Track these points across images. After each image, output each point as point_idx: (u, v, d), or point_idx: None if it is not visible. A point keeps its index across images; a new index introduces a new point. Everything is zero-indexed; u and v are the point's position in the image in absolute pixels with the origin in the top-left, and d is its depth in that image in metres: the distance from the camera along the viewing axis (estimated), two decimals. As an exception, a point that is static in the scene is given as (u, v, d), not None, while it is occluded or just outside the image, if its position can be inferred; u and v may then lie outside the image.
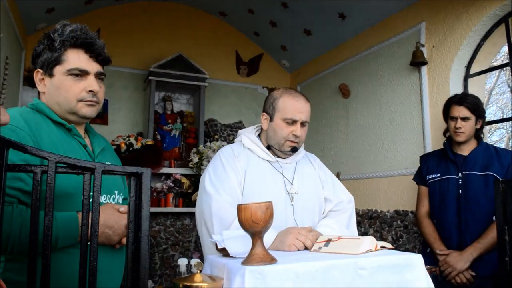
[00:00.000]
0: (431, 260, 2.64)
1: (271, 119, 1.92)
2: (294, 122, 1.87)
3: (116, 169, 1.11)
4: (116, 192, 1.63)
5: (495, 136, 11.26)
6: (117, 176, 1.69)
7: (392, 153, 3.85)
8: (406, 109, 3.74)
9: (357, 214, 4.14)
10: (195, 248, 4.48)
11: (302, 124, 1.89)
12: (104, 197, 1.58)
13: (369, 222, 4.00)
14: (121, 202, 1.63)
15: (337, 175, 4.44)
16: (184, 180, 4.37)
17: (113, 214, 1.47)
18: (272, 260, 1.29)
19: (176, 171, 4.53)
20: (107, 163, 1.59)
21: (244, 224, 1.31)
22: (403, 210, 3.65)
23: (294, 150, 1.90)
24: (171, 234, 4.40)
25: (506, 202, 1.84)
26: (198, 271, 1.38)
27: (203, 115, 4.93)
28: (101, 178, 1.11)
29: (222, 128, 5.29)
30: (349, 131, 4.45)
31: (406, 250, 3.49)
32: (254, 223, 1.29)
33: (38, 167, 1.04)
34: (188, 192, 4.41)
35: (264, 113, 1.96)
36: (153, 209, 4.27)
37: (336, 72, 4.73)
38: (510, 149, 2.74)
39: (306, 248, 1.60)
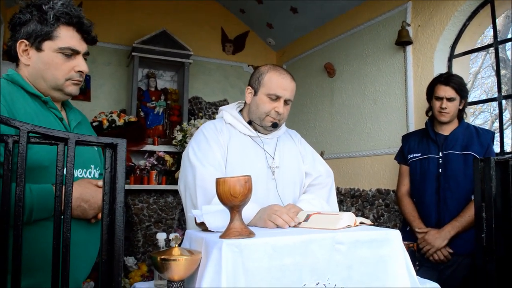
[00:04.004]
0: (410, 238, 2.67)
1: (255, 93, 1.93)
2: (277, 98, 1.87)
3: (91, 140, 1.08)
4: (92, 166, 1.61)
5: (479, 119, 11.36)
6: (94, 150, 1.67)
7: (376, 132, 3.86)
8: (391, 88, 3.74)
9: (340, 193, 4.17)
10: (178, 226, 4.48)
11: (286, 102, 1.90)
12: (80, 171, 1.56)
13: (352, 201, 4.03)
14: (97, 176, 1.62)
15: (321, 154, 4.45)
16: (167, 157, 4.34)
17: (89, 188, 1.45)
18: (250, 234, 1.29)
19: (160, 148, 4.50)
20: (83, 135, 1.57)
21: (222, 198, 1.30)
22: (384, 189, 3.68)
23: (274, 125, 1.90)
24: (154, 212, 4.38)
25: (484, 180, 1.86)
26: (176, 245, 1.38)
27: (187, 93, 4.87)
28: (75, 149, 1.09)
29: (206, 106, 5.25)
30: (333, 110, 4.45)
31: (387, 228, 3.52)
32: (232, 197, 1.28)
33: (10, 137, 1.01)
34: (171, 170, 4.38)
35: (249, 87, 1.96)
36: (136, 187, 4.24)
37: (322, 51, 4.70)
38: (492, 130, 2.76)
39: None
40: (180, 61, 4.84)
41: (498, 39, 3.15)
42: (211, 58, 5.43)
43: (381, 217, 3.69)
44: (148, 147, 4.49)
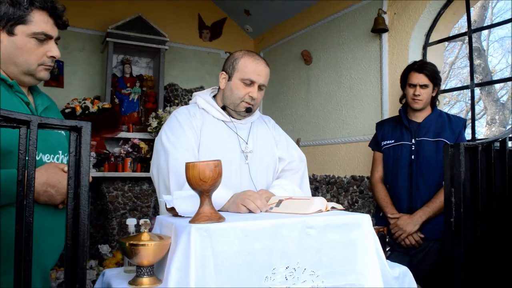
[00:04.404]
0: (383, 223, 2.71)
1: (229, 79, 1.92)
2: (252, 83, 1.87)
3: (54, 123, 1.05)
4: (60, 152, 1.58)
5: (455, 109, 11.53)
6: (62, 135, 1.63)
7: (351, 119, 3.89)
8: (366, 76, 3.76)
9: (316, 179, 4.20)
10: (154, 213, 4.45)
11: (260, 87, 1.90)
12: (48, 156, 1.53)
13: (327, 188, 4.06)
14: (65, 162, 1.58)
15: (297, 141, 4.46)
16: (142, 145, 4.29)
17: (56, 173, 1.42)
18: (219, 219, 1.28)
19: (135, 135, 4.44)
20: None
21: (191, 183, 1.29)
22: (359, 176, 3.72)
23: (248, 110, 1.90)
24: (129, 200, 4.34)
25: (453, 165, 1.89)
26: (146, 230, 1.36)
27: (163, 79, 4.81)
28: (41, 133, 1.06)
29: (183, 93, 5.20)
30: (310, 97, 4.46)
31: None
32: (202, 182, 1.27)
33: (-32, 120, 0.98)
34: (146, 157, 4.34)
35: (223, 72, 1.95)
36: (111, 174, 4.19)
37: (299, 38, 4.69)
38: (464, 118, 2.81)
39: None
40: (156, 47, 4.77)
41: (473, 28, 3.19)
42: (187, 44, 5.37)
43: (356, 204, 3.73)
44: (123, 134, 4.44)
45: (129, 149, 4.26)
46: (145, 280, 1.35)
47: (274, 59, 5.10)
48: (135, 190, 4.39)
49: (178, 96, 5.15)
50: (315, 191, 4.14)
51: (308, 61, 4.45)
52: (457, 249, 1.90)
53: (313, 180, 4.23)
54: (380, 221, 2.77)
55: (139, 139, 4.36)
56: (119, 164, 4.25)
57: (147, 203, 4.42)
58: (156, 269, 1.41)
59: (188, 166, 1.28)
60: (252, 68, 1.87)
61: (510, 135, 2.25)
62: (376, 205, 2.92)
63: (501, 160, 2.16)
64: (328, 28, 4.25)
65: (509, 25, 2.86)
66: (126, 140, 4.38)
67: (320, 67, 4.34)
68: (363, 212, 3.58)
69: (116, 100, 4.66)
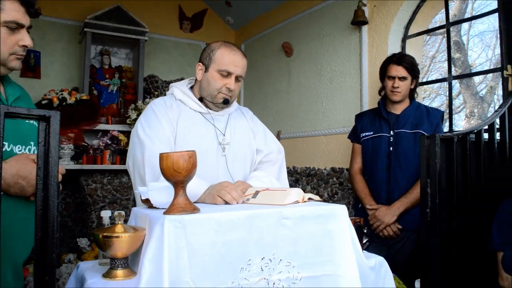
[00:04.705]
0: (362, 215, 2.72)
1: (206, 70, 1.89)
2: (229, 74, 1.85)
3: (21, 112, 1.03)
4: (32, 143, 1.55)
5: (435, 102, 11.65)
6: (35, 126, 1.60)
7: (331, 111, 3.90)
8: (346, 68, 3.77)
9: (296, 172, 4.21)
10: (133, 206, 4.40)
11: (237, 78, 1.88)
12: (19, 147, 1.50)
13: (307, 180, 4.07)
14: (37, 153, 1.55)
15: (278, 134, 4.46)
16: (121, 137, 4.23)
17: (27, 164, 1.39)
18: (194, 210, 1.27)
19: (114, 127, 4.38)
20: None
21: (165, 174, 1.27)
22: (339, 168, 3.74)
23: (226, 102, 1.88)
24: (108, 192, 4.29)
25: (429, 156, 1.91)
26: (120, 222, 1.34)
27: (143, 71, 4.75)
28: (12, 123, 1.03)
29: (163, 84, 5.14)
30: (290, 90, 4.46)
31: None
32: (176, 172, 1.25)
33: None
34: (125, 149, 4.28)
35: (200, 63, 1.93)
36: (89, 167, 4.13)
37: (280, 30, 4.67)
38: (442, 110, 2.84)
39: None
40: (135, 38, 4.70)
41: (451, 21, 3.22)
42: (168, 35, 5.32)
43: (335, 195, 3.75)
44: (102, 126, 4.37)
45: (108, 141, 4.21)
46: (119, 272, 1.34)
47: (255, 51, 5.08)
48: (115, 182, 4.34)
49: (158, 88, 5.09)
50: (295, 183, 4.15)
51: (289, 53, 4.45)
52: (432, 239, 1.92)
53: (293, 172, 4.24)
54: (359, 212, 2.79)
55: (118, 131, 4.30)
56: (98, 156, 4.20)
57: (126, 196, 4.38)
58: (131, 261, 1.39)
59: (162, 156, 1.27)
60: (229, 59, 1.85)
61: (485, 127, 2.28)
62: (355, 197, 2.94)
63: (476, 151, 2.19)
64: (309, 20, 4.25)
65: (489, 19, 2.88)
66: (105, 132, 4.32)
67: (301, 59, 4.33)
68: (342, 204, 3.62)
69: (95, 92, 4.59)
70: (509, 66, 2.46)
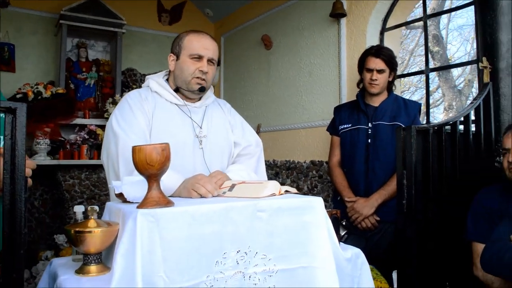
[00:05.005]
0: (341, 207, 2.73)
1: (178, 58, 1.89)
2: (200, 58, 1.84)
3: (-16, 104, 0.99)
4: (1, 137, 1.50)
5: (415, 96, 11.76)
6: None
7: (311, 104, 3.90)
8: (325, 61, 3.77)
9: (276, 165, 4.21)
10: (112, 201, 4.35)
11: (209, 62, 1.86)
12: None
13: (287, 173, 4.08)
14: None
15: (258, 127, 4.45)
16: (99, 131, 4.17)
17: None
18: (168, 203, 1.25)
19: (91, 122, 4.31)
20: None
21: (138, 167, 1.25)
22: (318, 161, 3.75)
23: (202, 89, 1.86)
24: (86, 188, 4.23)
25: (405, 148, 1.92)
26: (92, 217, 1.32)
27: (120, 64, 4.68)
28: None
29: (141, 78, 5.07)
30: (270, 83, 4.44)
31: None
32: (148, 166, 1.23)
33: None
34: (103, 144, 4.23)
35: (171, 54, 1.92)
36: (66, 162, 4.06)
37: (260, 23, 4.64)
38: (419, 102, 2.86)
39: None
40: (113, 31, 4.63)
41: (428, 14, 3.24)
42: (146, 28, 5.24)
43: (315, 188, 3.76)
44: (79, 121, 4.29)
45: (85, 135, 4.14)
46: (93, 268, 1.31)
47: (235, 44, 5.05)
48: (93, 178, 4.28)
49: (137, 81, 5.02)
50: (275, 177, 4.15)
51: (268, 46, 4.43)
52: (409, 230, 1.94)
53: (273, 165, 4.23)
54: (338, 204, 2.79)
55: (96, 125, 4.23)
56: (75, 151, 4.13)
57: (105, 192, 4.31)
58: (105, 257, 1.37)
59: (134, 149, 1.24)
60: (198, 43, 1.85)
61: (461, 119, 2.31)
62: (334, 189, 2.95)
63: (452, 143, 2.22)
64: (288, 12, 4.23)
65: (468, 13, 2.91)
66: (82, 127, 4.25)
67: (280, 52, 4.32)
68: (322, 197, 3.63)
69: (72, 85, 4.50)
70: (484, 58, 2.49)
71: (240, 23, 4.99)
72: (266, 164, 4.02)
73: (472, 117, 2.43)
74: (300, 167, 3.93)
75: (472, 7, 2.86)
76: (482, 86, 2.49)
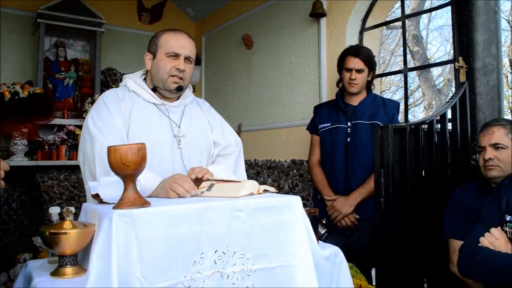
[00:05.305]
0: (321, 206, 2.74)
1: (154, 57, 1.87)
2: (177, 56, 1.83)
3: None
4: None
5: (397, 95, 11.91)
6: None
7: (291, 104, 3.92)
8: (305, 60, 3.79)
9: (257, 164, 4.21)
10: (92, 202, 4.31)
11: (186, 60, 1.85)
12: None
13: (268, 172, 4.08)
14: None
15: (239, 127, 4.45)
16: (78, 131, 4.11)
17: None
18: (144, 204, 1.24)
19: (70, 122, 4.25)
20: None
21: (114, 167, 1.24)
22: (299, 160, 3.76)
23: (179, 88, 1.85)
24: (65, 189, 4.18)
25: (382, 147, 1.94)
26: (68, 218, 1.30)
27: (100, 64, 4.62)
28: None
29: (121, 77, 4.98)
30: (251, 82, 4.45)
31: (301, 197, 3.61)
32: (124, 166, 1.22)
33: None
34: (82, 144, 4.17)
35: (148, 53, 1.91)
36: (45, 163, 4.00)
37: (241, 22, 4.64)
38: (397, 101, 2.90)
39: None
40: (92, 30, 4.56)
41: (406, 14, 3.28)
42: (126, 27, 5.18)
43: (296, 187, 3.78)
44: (57, 121, 4.23)
45: (64, 136, 4.09)
46: (68, 270, 1.30)
47: (216, 43, 5.04)
48: (72, 179, 4.23)
49: (117, 81, 4.97)
50: (256, 176, 4.15)
51: (249, 46, 4.43)
52: (387, 227, 1.96)
53: (255, 165, 4.24)
54: (318, 203, 2.81)
55: (75, 125, 4.18)
56: (54, 152, 4.07)
57: (85, 192, 4.26)
58: (81, 259, 1.36)
59: (109, 150, 1.23)
60: (174, 41, 1.84)
61: (437, 118, 2.34)
62: (314, 188, 2.96)
63: (429, 142, 2.25)
64: (268, 12, 4.24)
65: (448, 13, 2.93)
66: (61, 127, 4.19)
67: (261, 51, 4.32)
68: (303, 195, 3.65)
69: (50, 85, 4.44)
70: (460, 58, 2.53)
71: (221, 22, 4.98)
72: (247, 163, 4.04)
73: (449, 116, 2.47)
74: (281, 166, 3.94)
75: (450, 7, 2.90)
76: (458, 85, 2.53)
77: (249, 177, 4.02)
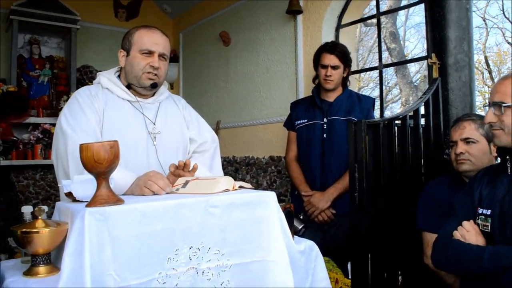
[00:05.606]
0: (298, 201, 2.77)
1: (128, 54, 1.85)
2: (151, 53, 1.81)
3: None
4: None
5: (375, 92, 12.04)
6: None
7: (269, 100, 3.93)
8: (282, 57, 3.81)
9: (236, 161, 4.22)
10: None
11: (161, 57, 1.84)
12: None
13: (246, 169, 4.10)
14: None
15: (217, 124, 4.45)
16: (54, 130, 4.05)
17: None
18: (117, 201, 1.24)
19: (45, 120, 4.19)
20: None
21: (86, 165, 1.23)
22: (277, 156, 3.78)
23: (154, 85, 1.83)
24: (41, 189, 4.12)
25: (356, 142, 1.97)
26: (40, 217, 1.29)
27: (75, 61, 4.56)
28: None
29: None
30: (229, 79, 4.45)
31: (279, 193, 3.65)
32: (97, 164, 1.22)
33: None
34: (58, 143, 4.12)
35: (121, 50, 1.89)
36: (20, 162, 3.94)
37: (218, 19, 4.63)
38: (372, 97, 2.94)
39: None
40: (66, 27, 4.51)
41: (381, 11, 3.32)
42: (102, 24, 5.13)
43: (274, 183, 3.80)
44: (32, 120, 4.17)
45: (39, 135, 4.03)
46: (41, 269, 1.29)
47: (193, 40, 5.02)
48: (48, 178, 4.17)
49: (93, 78, 4.87)
50: (235, 173, 4.16)
51: (227, 42, 4.43)
52: (361, 222, 1.99)
53: (233, 162, 4.24)
54: (295, 199, 2.83)
55: (50, 124, 4.12)
56: (29, 151, 4.01)
57: (61, 191, 4.22)
58: (55, 257, 1.34)
59: (81, 148, 1.22)
60: (148, 38, 1.82)
61: (411, 113, 2.38)
62: (291, 184, 2.98)
63: (402, 137, 2.29)
64: (245, 9, 4.24)
65: (422, 11, 2.97)
66: (36, 126, 4.13)
67: (238, 48, 4.33)
68: (281, 191, 3.67)
69: (24, 83, 4.37)
70: (433, 54, 2.57)
71: (198, 19, 4.96)
72: (226, 160, 4.04)
73: (422, 111, 2.51)
74: (259, 162, 3.96)
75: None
76: (431, 81, 2.58)
77: (228, 174, 4.03)
